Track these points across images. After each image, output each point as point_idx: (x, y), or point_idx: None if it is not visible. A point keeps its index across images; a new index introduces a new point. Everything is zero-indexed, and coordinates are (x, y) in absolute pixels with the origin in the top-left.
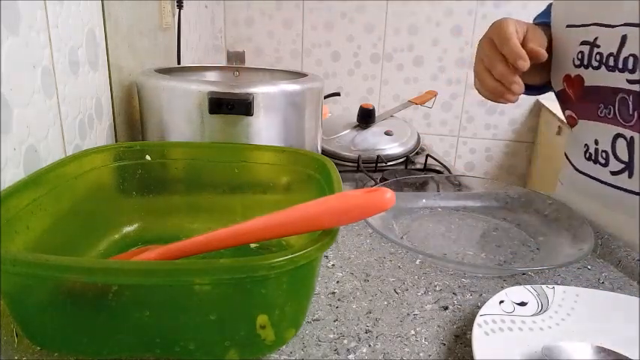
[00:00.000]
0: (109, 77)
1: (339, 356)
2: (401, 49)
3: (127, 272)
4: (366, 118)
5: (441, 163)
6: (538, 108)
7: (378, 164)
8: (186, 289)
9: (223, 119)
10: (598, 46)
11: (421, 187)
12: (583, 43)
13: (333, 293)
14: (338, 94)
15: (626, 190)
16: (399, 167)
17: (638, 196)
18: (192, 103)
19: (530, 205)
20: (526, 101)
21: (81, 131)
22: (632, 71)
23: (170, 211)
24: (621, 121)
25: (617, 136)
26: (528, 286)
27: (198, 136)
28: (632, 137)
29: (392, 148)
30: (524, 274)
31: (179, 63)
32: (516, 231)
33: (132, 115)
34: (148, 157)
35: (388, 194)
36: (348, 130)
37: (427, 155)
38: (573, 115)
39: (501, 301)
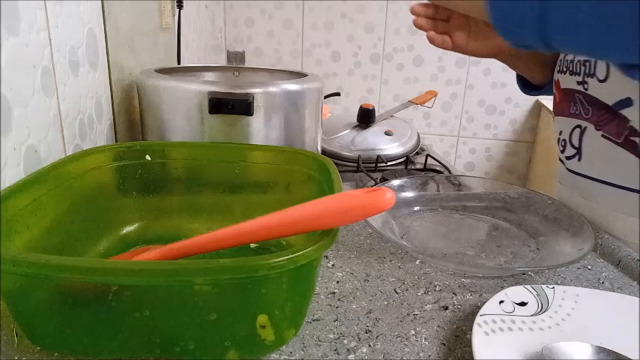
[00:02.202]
0: (109, 77)
1: (339, 356)
2: (401, 49)
3: (127, 272)
4: (366, 118)
5: (441, 163)
6: (538, 108)
7: (378, 164)
8: (186, 289)
9: (223, 119)
10: (565, 54)
11: (421, 187)
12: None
13: (333, 293)
14: (338, 94)
15: (576, 173)
16: (399, 167)
17: (586, 179)
18: (192, 103)
19: (530, 205)
20: (526, 101)
21: (81, 131)
22: (579, 74)
23: (170, 211)
24: (583, 114)
25: (576, 127)
26: (528, 286)
27: (198, 136)
28: (585, 127)
29: (392, 148)
30: (524, 274)
31: (179, 63)
32: (516, 231)
33: (132, 115)
34: (148, 157)
35: (388, 194)
36: (348, 130)
37: (427, 155)
38: (554, 113)
39: (501, 301)
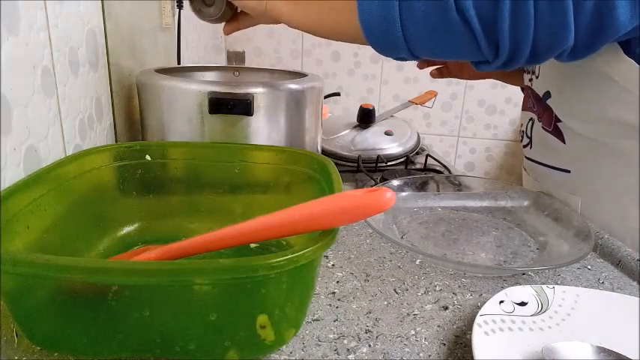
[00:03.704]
0: (109, 77)
1: (339, 356)
2: None
3: (127, 272)
4: (366, 118)
5: (441, 163)
6: None
7: (378, 164)
8: (186, 289)
9: (223, 119)
10: None
11: (421, 187)
12: None
13: (333, 293)
14: (338, 94)
15: (530, 159)
16: (399, 167)
17: (535, 163)
18: (192, 103)
19: (531, 205)
20: None
21: (81, 131)
22: (528, 72)
23: (170, 211)
24: (533, 108)
25: (530, 119)
26: (528, 286)
27: (198, 136)
28: (534, 119)
29: (392, 148)
30: (524, 274)
31: (179, 63)
32: (516, 231)
33: (132, 115)
34: (148, 157)
35: (388, 194)
36: (348, 130)
37: (427, 155)
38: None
39: (501, 301)
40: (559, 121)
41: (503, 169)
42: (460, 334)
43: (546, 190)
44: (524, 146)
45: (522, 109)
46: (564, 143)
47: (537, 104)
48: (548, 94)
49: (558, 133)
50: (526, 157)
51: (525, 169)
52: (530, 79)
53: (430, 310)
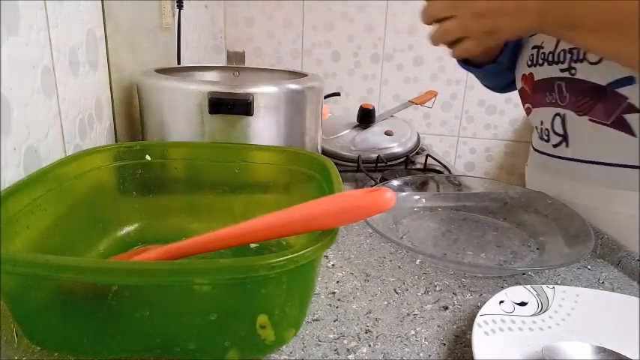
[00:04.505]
0: (109, 77)
1: (339, 356)
2: (401, 49)
3: (127, 272)
4: (366, 118)
5: (441, 163)
6: None
7: (378, 164)
8: (186, 289)
9: (223, 119)
10: (543, 48)
11: (421, 187)
12: (534, 47)
13: (333, 293)
14: (338, 94)
15: (567, 159)
16: (399, 167)
17: (575, 162)
18: (192, 103)
19: (530, 205)
20: None
21: (81, 131)
22: (563, 62)
23: (170, 211)
24: (559, 102)
25: (555, 115)
26: (528, 286)
27: (198, 136)
28: (565, 114)
29: (392, 148)
30: (524, 274)
31: (179, 63)
32: (516, 231)
33: (132, 115)
34: (148, 157)
35: (388, 194)
36: (348, 130)
37: (427, 155)
38: (530, 106)
39: (501, 301)
40: (631, 111)
41: (503, 169)
42: (460, 334)
43: (588, 192)
44: (555, 145)
45: (535, 107)
46: (635, 136)
47: (578, 97)
48: (628, 80)
49: (624, 126)
50: (557, 157)
51: (556, 171)
52: (569, 69)
53: (430, 310)
